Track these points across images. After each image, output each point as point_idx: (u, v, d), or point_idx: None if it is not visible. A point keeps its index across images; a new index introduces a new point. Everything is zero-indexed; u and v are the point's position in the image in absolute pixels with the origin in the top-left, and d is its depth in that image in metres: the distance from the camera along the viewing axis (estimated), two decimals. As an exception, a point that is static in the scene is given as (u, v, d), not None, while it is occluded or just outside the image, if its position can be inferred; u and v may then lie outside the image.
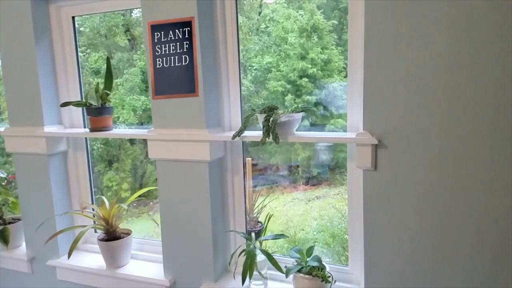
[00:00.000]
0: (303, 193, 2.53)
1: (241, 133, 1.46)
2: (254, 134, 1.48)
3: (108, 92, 1.76)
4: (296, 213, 2.60)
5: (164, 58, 1.60)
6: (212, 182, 1.61)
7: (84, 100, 1.79)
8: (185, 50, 1.55)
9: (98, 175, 2.73)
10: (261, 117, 1.41)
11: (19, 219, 2.16)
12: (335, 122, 1.99)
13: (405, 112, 1.23)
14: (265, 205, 2.21)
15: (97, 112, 1.76)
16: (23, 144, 1.93)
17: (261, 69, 2.27)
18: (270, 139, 1.37)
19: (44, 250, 1.99)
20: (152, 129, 1.65)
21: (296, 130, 1.46)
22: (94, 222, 1.90)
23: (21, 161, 1.98)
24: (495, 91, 1.12)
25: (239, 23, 1.59)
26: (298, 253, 1.53)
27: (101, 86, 1.78)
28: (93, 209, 1.97)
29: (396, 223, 1.30)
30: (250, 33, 2.31)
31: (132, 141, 2.98)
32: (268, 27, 2.32)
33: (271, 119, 1.37)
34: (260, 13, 2.35)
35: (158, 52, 1.60)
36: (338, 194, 2.49)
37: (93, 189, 2.11)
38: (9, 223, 2.14)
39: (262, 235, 2.03)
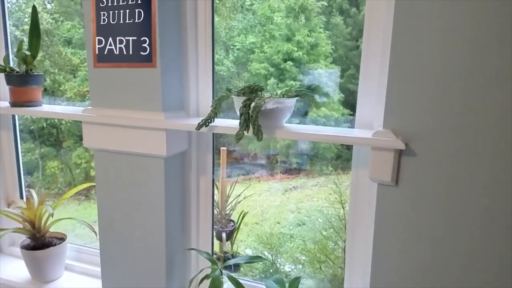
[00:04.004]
0: (280, 183, 2.37)
1: (210, 122, 1.04)
2: (229, 124, 1.07)
3: (34, 55, 1.30)
4: (272, 203, 2.42)
5: (111, 12, 1.17)
6: (169, 185, 1.20)
7: (4, 64, 1.33)
8: (139, 1, 1.12)
9: (67, 151, 2.53)
10: (238, 101, 1.00)
11: None
12: (318, 111, 1.80)
13: (447, 106, 0.84)
14: (239, 201, 1.92)
15: (19, 81, 1.31)
16: None
17: (243, 49, 2.08)
18: (249, 133, 0.96)
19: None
20: (90, 108, 1.22)
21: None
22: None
23: None
24: None
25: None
26: (278, 284, 1.15)
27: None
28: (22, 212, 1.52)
29: (421, 262, 0.94)
30: (234, 10, 2.12)
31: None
32: (253, 4, 2.13)
33: (253, 104, 0.96)
34: (246, -12, 2.16)
35: (102, 2, 1.17)
36: (316, 185, 2.32)
37: (23, 179, 1.66)
38: None
39: (235, 235, 1.72)
